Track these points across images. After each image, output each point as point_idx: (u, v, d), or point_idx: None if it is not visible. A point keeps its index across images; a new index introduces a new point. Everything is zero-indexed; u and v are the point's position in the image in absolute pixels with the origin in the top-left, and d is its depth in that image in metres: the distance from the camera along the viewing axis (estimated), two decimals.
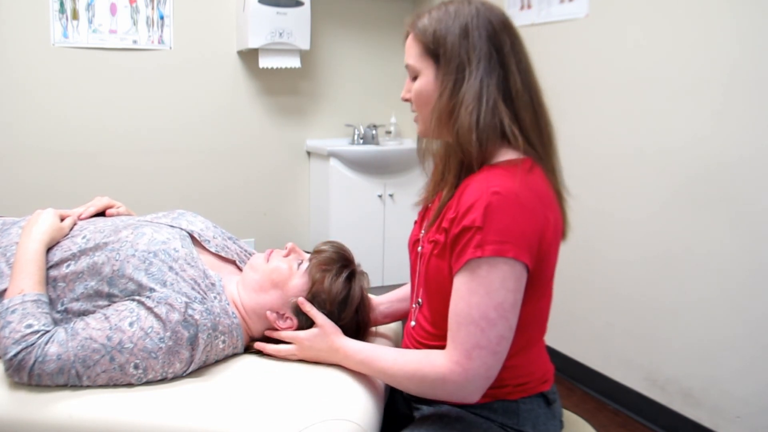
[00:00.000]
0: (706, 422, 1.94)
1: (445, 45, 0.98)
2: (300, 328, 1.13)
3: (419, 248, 1.09)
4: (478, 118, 0.96)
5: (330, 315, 1.12)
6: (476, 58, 0.97)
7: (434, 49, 0.99)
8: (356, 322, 1.17)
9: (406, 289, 1.31)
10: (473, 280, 0.91)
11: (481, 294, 0.91)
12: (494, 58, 0.98)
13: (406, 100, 1.07)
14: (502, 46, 0.99)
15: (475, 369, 0.91)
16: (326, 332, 1.10)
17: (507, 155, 0.99)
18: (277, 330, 1.14)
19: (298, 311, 1.13)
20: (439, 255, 0.99)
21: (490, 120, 0.97)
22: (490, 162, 0.99)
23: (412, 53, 1.03)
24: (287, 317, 1.14)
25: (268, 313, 1.13)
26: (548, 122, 1.04)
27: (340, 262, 1.16)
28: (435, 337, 1.05)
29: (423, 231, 1.09)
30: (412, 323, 1.13)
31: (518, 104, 0.99)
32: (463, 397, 0.94)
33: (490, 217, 0.90)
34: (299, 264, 1.17)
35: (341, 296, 1.13)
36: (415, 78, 1.04)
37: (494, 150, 0.99)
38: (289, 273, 1.15)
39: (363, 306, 1.18)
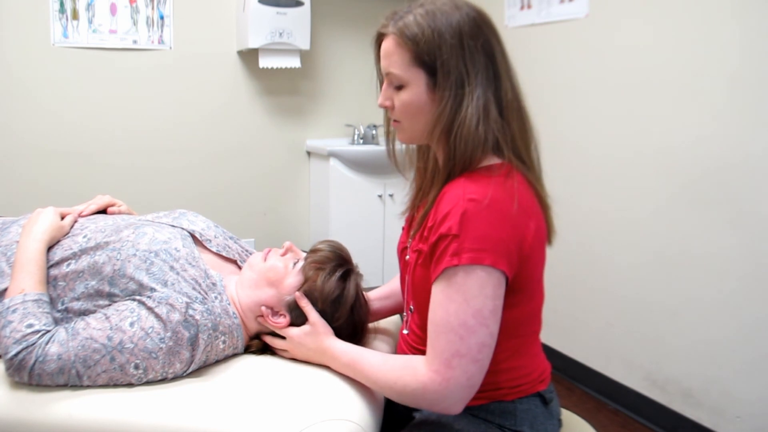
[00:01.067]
0: (706, 422, 1.94)
1: (441, 57, 0.93)
2: (292, 325, 1.12)
3: (406, 257, 1.08)
4: (481, 135, 0.94)
5: (322, 314, 1.11)
6: (474, 71, 0.94)
7: (429, 61, 0.94)
8: (352, 322, 1.15)
9: (391, 285, 1.30)
10: (450, 287, 0.90)
11: (459, 301, 0.89)
12: (490, 69, 0.96)
13: (386, 107, 1.02)
14: (495, 54, 0.97)
15: (456, 378, 0.89)
16: (317, 331, 1.08)
17: (488, 161, 0.98)
18: (268, 322, 1.13)
19: (292, 308, 1.12)
20: (423, 264, 0.98)
21: (492, 135, 0.95)
22: (472, 168, 0.97)
23: (396, 61, 0.97)
24: (281, 314, 1.13)
25: (263, 308, 1.12)
26: (532, 128, 1.02)
27: (335, 261, 1.15)
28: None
29: (410, 239, 1.07)
30: (405, 331, 1.14)
31: (508, 113, 0.98)
32: (445, 407, 0.92)
33: (466, 224, 0.89)
34: (295, 263, 1.16)
35: (333, 295, 1.11)
36: (399, 87, 0.98)
37: (480, 157, 0.98)
38: (285, 271, 1.14)
39: (358, 306, 1.16)
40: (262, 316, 1.13)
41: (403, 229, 1.17)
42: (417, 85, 0.97)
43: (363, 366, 1.01)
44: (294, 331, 1.11)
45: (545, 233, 1.01)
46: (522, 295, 0.98)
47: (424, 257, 0.98)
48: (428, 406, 0.93)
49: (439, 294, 0.92)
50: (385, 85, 1.02)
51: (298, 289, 1.12)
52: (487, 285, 0.89)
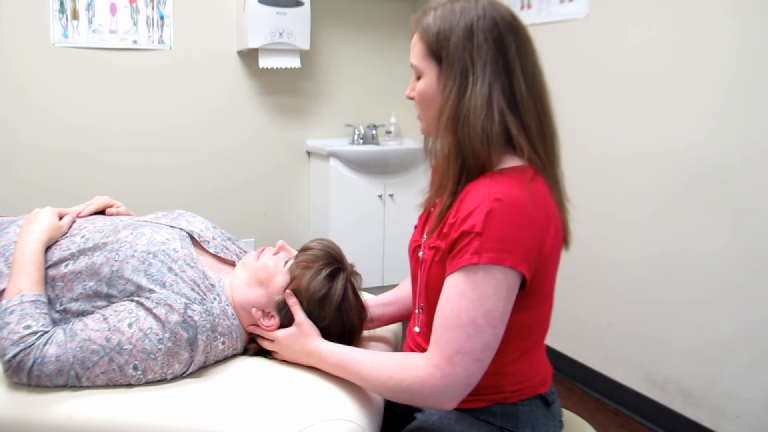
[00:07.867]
0: (706, 422, 1.94)
1: (448, 47, 0.96)
2: (282, 326, 1.11)
3: (420, 254, 1.07)
4: (485, 126, 0.94)
5: (309, 314, 1.09)
6: (481, 63, 0.94)
7: (437, 51, 0.97)
8: (340, 323, 1.11)
9: (395, 292, 1.29)
10: (466, 284, 0.90)
11: (473, 299, 0.89)
12: (500, 62, 0.95)
13: (411, 98, 1.06)
14: (507, 50, 0.96)
15: (455, 375, 0.89)
16: (302, 332, 1.07)
17: (510, 162, 0.97)
18: (259, 327, 1.13)
19: (281, 309, 1.11)
20: (440, 261, 0.98)
21: (498, 128, 0.95)
22: (492, 169, 0.97)
23: (415, 52, 1.01)
24: (272, 315, 1.12)
25: (254, 310, 1.11)
26: (553, 129, 1.02)
27: (325, 259, 1.12)
28: None
29: (425, 236, 1.07)
30: (416, 328, 1.12)
31: (523, 110, 0.97)
32: (439, 402, 0.91)
33: (490, 223, 0.89)
34: (286, 262, 1.15)
35: (319, 294, 1.09)
36: (419, 77, 1.02)
37: (498, 157, 0.97)
38: (275, 270, 1.12)
39: (347, 306, 1.12)
40: (254, 324, 1.12)
41: (415, 227, 1.16)
42: (429, 76, 1.00)
43: (353, 365, 1.00)
44: (280, 333, 1.10)
45: (562, 238, 1.01)
46: (535, 299, 0.97)
47: (442, 254, 0.97)
48: (422, 400, 0.92)
49: (452, 290, 0.91)
50: (412, 78, 1.05)
51: (286, 289, 1.11)
52: (502, 287, 0.89)
